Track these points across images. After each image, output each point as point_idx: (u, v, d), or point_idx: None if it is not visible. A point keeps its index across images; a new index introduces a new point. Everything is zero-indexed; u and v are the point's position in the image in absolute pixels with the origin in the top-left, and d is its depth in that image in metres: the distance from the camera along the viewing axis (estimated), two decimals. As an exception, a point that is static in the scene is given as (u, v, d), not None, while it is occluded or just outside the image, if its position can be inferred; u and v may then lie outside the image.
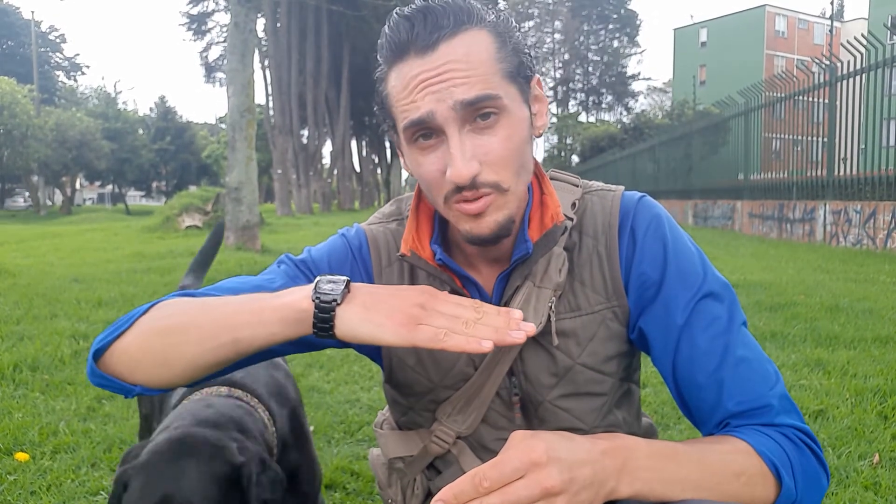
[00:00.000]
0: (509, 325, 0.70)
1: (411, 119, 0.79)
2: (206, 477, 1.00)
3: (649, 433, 1.07)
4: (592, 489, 0.62)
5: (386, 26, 0.82)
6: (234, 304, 0.79)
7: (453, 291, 0.91)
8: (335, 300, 0.72)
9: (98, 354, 0.82)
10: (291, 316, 0.74)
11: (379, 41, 0.83)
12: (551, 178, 0.95)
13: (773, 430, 0.81)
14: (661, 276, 0.87)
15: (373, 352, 1.00)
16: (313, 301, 0.73)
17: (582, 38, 54.95)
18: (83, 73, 60.67)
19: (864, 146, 8.60)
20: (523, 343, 0.87)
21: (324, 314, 0.72)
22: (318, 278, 0.75)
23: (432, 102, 0.77)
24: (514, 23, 0.84)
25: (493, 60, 0.79)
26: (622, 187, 0.95)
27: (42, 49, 42.39)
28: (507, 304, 0.89)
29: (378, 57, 0.84)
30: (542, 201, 0.90)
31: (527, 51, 0.84)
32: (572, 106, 53.99)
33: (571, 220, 0.91)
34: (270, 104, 28.73)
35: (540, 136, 0.88)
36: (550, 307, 0.88)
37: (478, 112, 0.78)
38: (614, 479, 0.65)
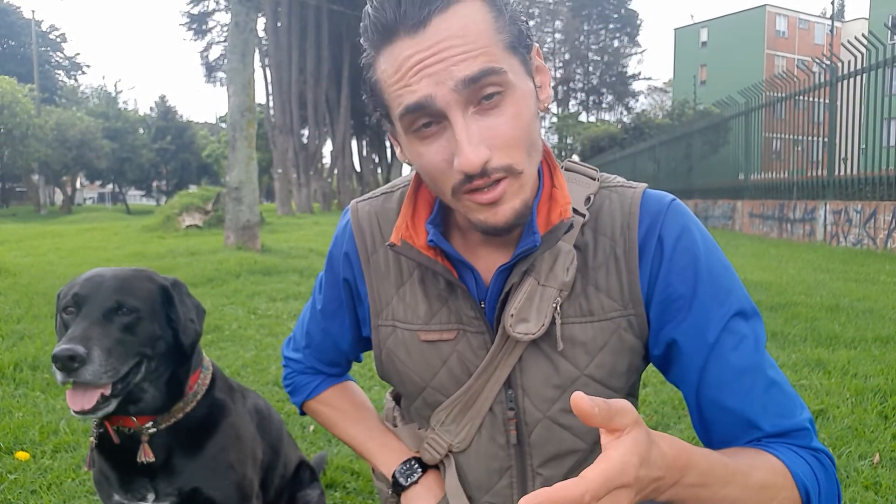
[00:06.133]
0: None
1: (407, 104, 0.72)
2: (141, 282, 1.17)
3: None
4: (643, 493, 0.60)
5: (369, 6, 0.73)
6: (357, 440, 1.07)
7: (448, 284, 0.86)
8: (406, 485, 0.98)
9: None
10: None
11: (362, 24, 0.75)
12: (567, 170, 0.89)
13: (810, 454, 0.78)
14: (692, 291, 0.81)
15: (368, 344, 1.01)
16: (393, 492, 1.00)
17: (582, 38, 54.87)
18: (84, 73, 60.68)
19: (864, 146, 8.59)
20: (524, 349, 0.84)
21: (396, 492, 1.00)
22: (398, 471, 0.99)
23: (430, 85, 0.70)
24: None
25: (492, 31, 0.71)
26: (644, 185, 0.87)
27: (42, 48, 42.37)
28: (506, 300, 0.83)
29: (363, 41, 0.76)
30: (552, 195, 0.83)
31: (524, 19, 0.76)
32: (573, 105, 53.93)
33: (583, 216, 0.84)
34: (271, 104, 28.72)
35: (545, 109, 0.81)
36: (556, 308, 0.81)
37: (481, 92, 0.71)
38: (662, 491, 0.63)
